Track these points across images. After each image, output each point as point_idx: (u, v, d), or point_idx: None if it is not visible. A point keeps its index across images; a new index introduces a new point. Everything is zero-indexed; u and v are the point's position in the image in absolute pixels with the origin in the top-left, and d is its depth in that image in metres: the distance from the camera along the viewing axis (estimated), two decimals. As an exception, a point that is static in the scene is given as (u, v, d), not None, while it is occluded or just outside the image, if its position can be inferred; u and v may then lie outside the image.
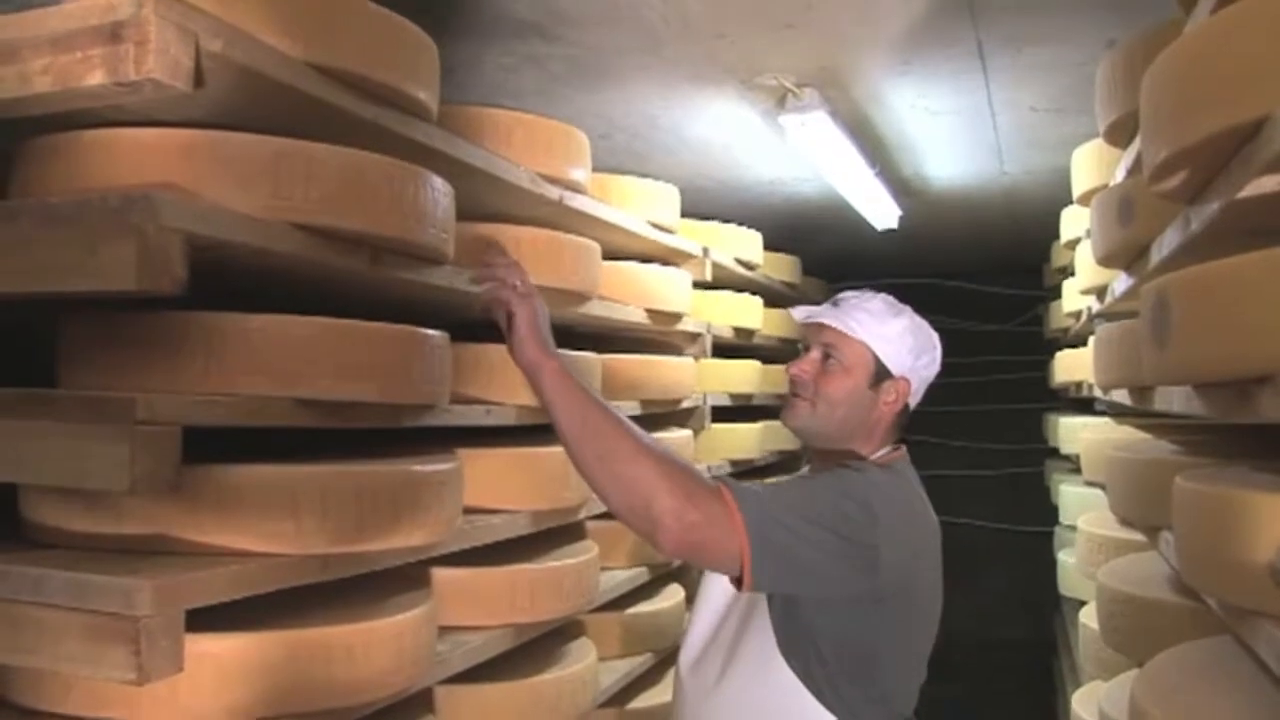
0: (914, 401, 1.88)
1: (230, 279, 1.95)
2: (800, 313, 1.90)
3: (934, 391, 1.93)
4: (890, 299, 1.89)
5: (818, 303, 1.92)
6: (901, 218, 4.77)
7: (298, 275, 1.98)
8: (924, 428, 6.13)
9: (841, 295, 1.90)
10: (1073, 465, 4.87)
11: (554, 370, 1.71)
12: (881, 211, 4.59)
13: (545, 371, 1.71)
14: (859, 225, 4.90)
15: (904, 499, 1.76)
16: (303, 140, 1.78)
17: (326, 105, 1.82)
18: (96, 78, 1.48)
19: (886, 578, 1.64)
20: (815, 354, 1.84)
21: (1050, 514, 5.12)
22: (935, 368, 1.90)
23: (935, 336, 1.90)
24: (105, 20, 1.47)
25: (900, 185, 4.50)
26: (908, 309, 1.89)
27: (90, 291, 1.53)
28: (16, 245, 1.56)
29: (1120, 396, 2.59)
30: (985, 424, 7.10)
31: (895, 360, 1.82)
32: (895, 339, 1.82)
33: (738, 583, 1.60)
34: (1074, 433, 4.52)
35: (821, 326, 1.84)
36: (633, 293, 3.38)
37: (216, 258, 1.71)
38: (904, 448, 1.89)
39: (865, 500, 1.64)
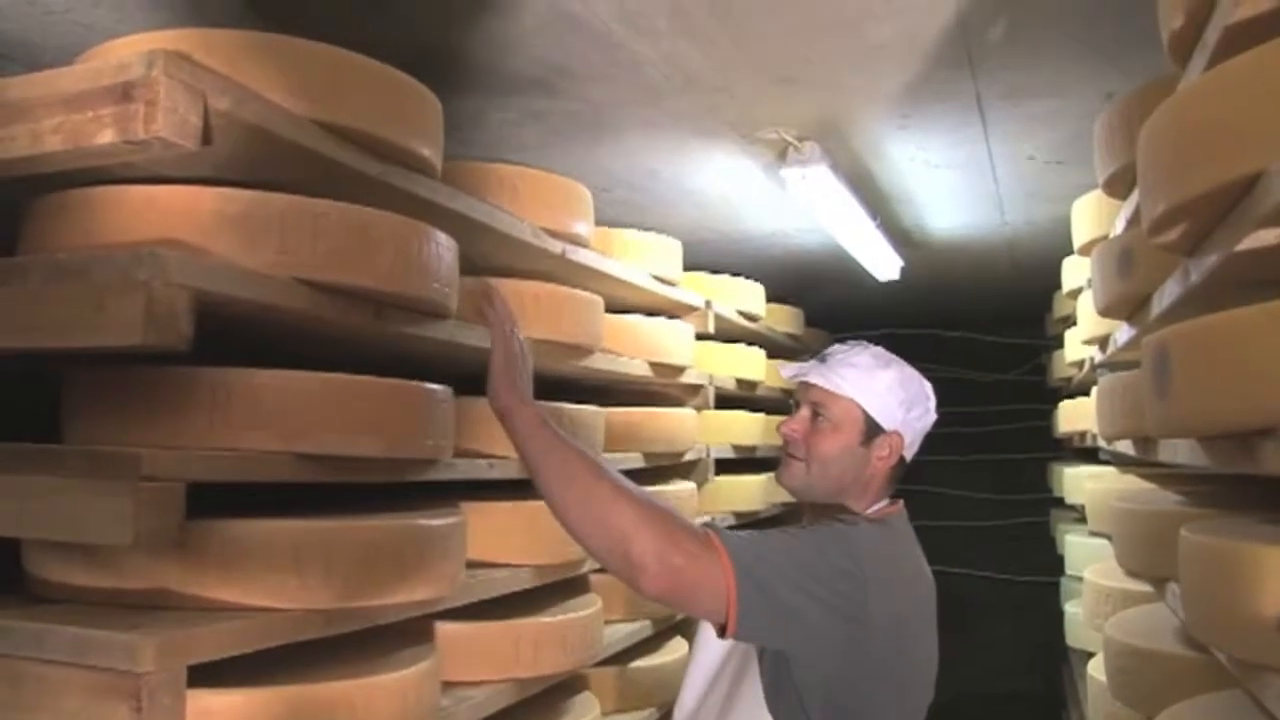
0: (909, 454, 1.85)
1: (235, 333, 1.96)
2: (787, 370, 1.88)
3: (936, 441, 1.92)
4: (879, 351, 1.87)
5: (812, 357, 1.91)
6: (903, 269, 4.78)
7: (302, 330, 1.99)
8: (926, 478, 6.10)
9: (830, 349, 1.88)
10: (1078, 515, 4.84)
11: (527, 415, 1.67)
12: (883, 263, 4.59)
13: (516, 416, 1.67)
14: (861, 276, 4.92)
15: (895, 554, 1.74)
16: (309, 197, 1.80)
17: (332, 162, 1.85)
18: (107, 137, 1.50)
19: (874, 633, 1.60)
20: (805, 412, 1.82)
21: (1056, 564, 5.09)
22: (929, 418, 1.87)
23: (928, 386, 1.88)
24: (116, 80, 1.51)
25: (901, 236, 4.52)
26: (896, 360, 1.87)
27: (96, 346, 1.54)
28: (25, 301, 1.58)
29: (1124, 446, 2.59)
30: (989, 474, 7.08)
31: (885, 415, 1.80)
32: (884, 393, 1.80)
33: (722, 630, 1.59)
34: (1078, 483, 4.50)
35: (809, 384, 1.83)
36: (636, 345, 3.39)
37: (222, 313, 1.72)
38: (900, 502, 1.87)
39: (854, 553, 1.62)
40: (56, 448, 1.67)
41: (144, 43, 1.69)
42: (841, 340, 1.98)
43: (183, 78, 1.53)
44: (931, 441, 1.90)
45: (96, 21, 2.26)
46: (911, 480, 1.89)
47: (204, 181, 1.75)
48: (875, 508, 1.82)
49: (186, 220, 1.69)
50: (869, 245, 4.24)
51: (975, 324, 7.06)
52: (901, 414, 1.81)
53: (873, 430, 1.80)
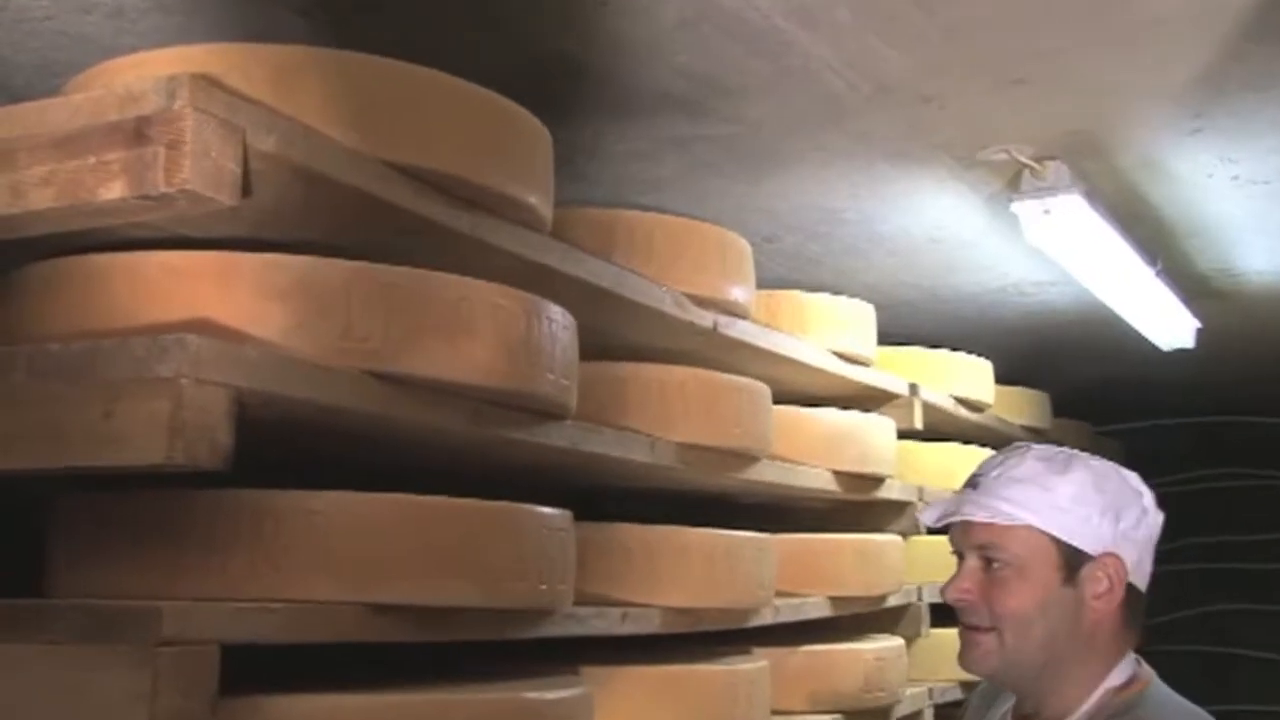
0: (1143, 580, 1.81)
1: (285, 444, 1.97)
2: (931, 514, 1.87)
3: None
4: (1047, 450, 1.86)
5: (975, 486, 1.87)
6: (1199, 331, 4.69)
7: (375, 438, 2.00)
8: (1225, 634, 5.69)
9: (980, 469, 1.87)
10: None
11: None
12: (1168, 324, 4.54)
13: None
14: (1134, 344, 4.84)
15: None
16: (380, 263, 1.81)
17: (410, 215, 1.86)
18: (115, 190, 1.52)
19: None
20: (973, 562, 1.80)
21: None
22: (1151, 520, 1.84)
23: (1133, 479, 1.85)
24: (126, 115, 1.52)
25: (1196, 286, 4.43)
26: (1080, 456, 1.85)
27: (102, 466, 1.54)
28: (5, 405, 1.59)
29: None
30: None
31: (1085, 535, 1.77)
32: (1072, 505, 1.77)
33: None
34: None
35: (967, 525, 1.80)
36: (815, 449, 3.36)
37: (269, 417, 1.72)
38: (1143, 663, 1.81)
39: None
40: (41, 603, 1.68)
41: (158, 62, 1.71)
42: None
43: (215, 110, 1.55)
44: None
45: (88, 32, 2.31)
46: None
47: (243, 245, 1.76)
48: (1116, 677, 1.74)
49: (221, 296, 1.70)
50: (1146, 300, 4.18)
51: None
52: (1110, 527, 1.78)
53: (1074, 560, 1.76)
